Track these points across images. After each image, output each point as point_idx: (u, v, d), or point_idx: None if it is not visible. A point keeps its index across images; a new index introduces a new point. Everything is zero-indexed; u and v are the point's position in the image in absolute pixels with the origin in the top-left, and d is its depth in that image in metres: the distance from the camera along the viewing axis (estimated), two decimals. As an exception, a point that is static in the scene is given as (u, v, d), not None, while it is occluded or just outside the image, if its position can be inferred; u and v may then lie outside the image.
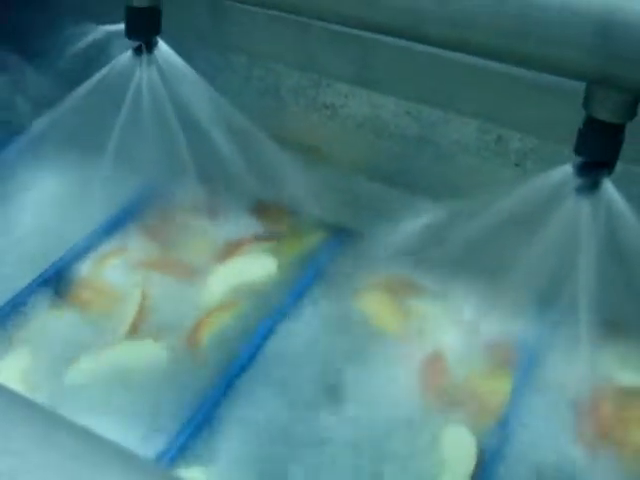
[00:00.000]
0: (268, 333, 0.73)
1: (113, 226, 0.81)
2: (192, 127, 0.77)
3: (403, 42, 0.71)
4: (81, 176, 0.82)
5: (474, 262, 0.73)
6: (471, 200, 0.67)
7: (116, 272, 0.77)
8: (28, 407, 0.26)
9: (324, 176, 0.88)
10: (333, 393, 0.69)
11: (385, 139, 0.91)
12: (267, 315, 0.74)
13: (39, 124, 0.78)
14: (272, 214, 0.86)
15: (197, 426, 0.65)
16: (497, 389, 0.69)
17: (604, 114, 0.59)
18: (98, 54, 0.80)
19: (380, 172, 0.90)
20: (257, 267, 0.79)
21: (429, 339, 0.73)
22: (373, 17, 0.59)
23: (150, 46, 0.76)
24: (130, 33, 0.74)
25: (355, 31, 0.74)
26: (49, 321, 0.73)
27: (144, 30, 0.74)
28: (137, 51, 0.76)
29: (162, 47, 0.77)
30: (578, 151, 0.61)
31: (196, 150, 0.79)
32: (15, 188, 0.83)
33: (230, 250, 0.81)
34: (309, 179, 0.83)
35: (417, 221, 0.73)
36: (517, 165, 0.86)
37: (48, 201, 0.81)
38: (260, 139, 0.82)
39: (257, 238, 0.83)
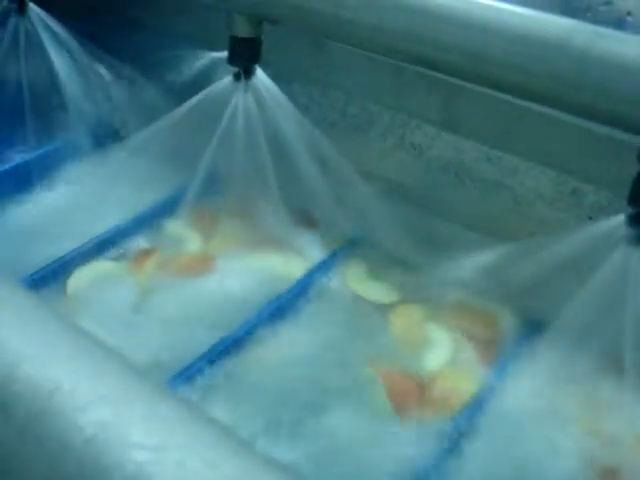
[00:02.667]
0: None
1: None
2: (277, 150, 0.84)
3: (488, 90, 0.76)
4: (164, 180, 0.91)
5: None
6: (524, 243, 0.70)
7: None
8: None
9: (400, 210, 0.92)
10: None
11: (465, 182, 0.95)
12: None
13: (140, 132, 0.86)
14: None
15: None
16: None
17: (657, 168, 0.61)
18: (204, 77, 0.87)
19: (455, 212, 0.93)
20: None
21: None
22: (442, 59, 0.64)
23: (248, 73, 0.83)
24: (231, 60, 0.81)
25: (444, 76, 0.79)
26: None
27: (244, 58, 0.81)
28: (236, 77, 0.83)
29: (260, 75, 0.84)
30: (630, 202, 0.64)
31: (276, 169, 0.85)
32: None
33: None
34: (384, 211, 0.88)
35: (477, 258, 0.77)
36: (590, 218, 0.87)
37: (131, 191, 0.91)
38: (344, 169, 0.88)
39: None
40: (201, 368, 0.73)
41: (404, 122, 0.98)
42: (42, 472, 0.24)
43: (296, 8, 0.75)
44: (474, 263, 0.78)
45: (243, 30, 0.79)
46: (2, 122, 0.97)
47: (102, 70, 0.96)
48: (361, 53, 0.92)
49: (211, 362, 0.74)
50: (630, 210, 0.64)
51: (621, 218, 0.65)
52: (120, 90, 0.96)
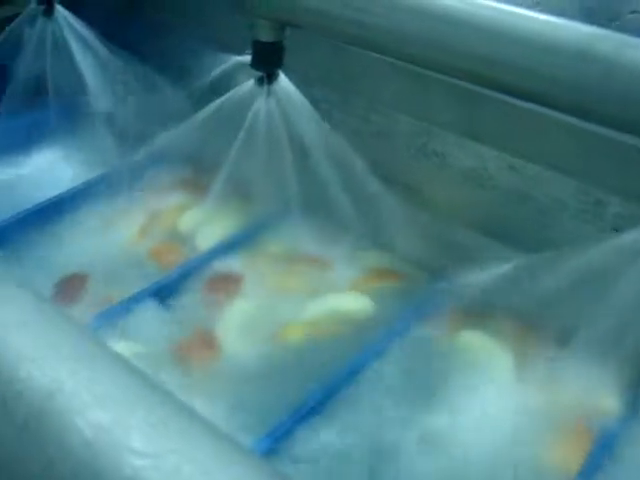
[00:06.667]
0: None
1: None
2: (297, 152, 0.83)
3: (511, 99, 0.75)
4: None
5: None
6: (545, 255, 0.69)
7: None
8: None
9: (417, 217, 0.91)
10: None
11: (487, 191, 0.94)
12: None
13: (164, 135, 0.87)
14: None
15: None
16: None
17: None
18: (231, 80, 0.87)
19: (475, 221, 0.92)
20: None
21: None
22: (466, 67, 0.63)
23: (271, 78, 0.82)
24: (254, 64, 0.81)
25: (467, 84, 0.78)
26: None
27: (267, 62, 0.81)
28: (259, 81, 0.83)
29: (283, 80, 0.84)
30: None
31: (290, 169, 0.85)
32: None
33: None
34: (400, 216, 0.88)
35: (497, 269, 0.76)
36: (615, 230, 0.86)
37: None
38: (363, 174, 0.88)
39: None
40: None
41: (426, 130, 0.97)
42: (38, 472, 0.24)
43: (319, 14, 0.75)
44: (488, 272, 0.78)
45: (266, 35, 0.79)
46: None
47: (125, 71, 0.97)
48: (383, 59, 0.91)
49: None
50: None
51: (645, 230, 0.64)
52: (142, 89, 0.97)
